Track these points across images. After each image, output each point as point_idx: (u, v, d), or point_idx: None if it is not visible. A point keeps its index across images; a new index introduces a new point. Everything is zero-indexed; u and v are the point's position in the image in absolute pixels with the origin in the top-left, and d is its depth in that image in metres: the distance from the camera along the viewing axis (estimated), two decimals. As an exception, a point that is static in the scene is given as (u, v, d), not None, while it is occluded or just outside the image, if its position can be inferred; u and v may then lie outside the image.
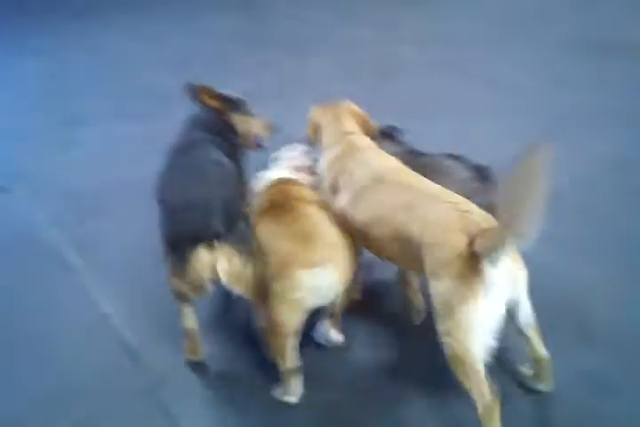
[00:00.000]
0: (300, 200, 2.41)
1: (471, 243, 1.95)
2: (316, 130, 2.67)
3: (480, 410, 2.00)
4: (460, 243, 1.96)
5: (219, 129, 2.74)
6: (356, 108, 2.72)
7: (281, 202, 2.41)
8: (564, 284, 2.76)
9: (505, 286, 1.97)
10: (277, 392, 2.33)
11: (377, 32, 6.30)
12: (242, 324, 2.64)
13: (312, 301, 2.20)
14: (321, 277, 2.17)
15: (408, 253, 2.16)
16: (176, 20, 7.10)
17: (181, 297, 2.31)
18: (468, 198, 2.16)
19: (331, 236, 2.25)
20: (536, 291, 2.08)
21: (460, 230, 1.99)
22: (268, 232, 2.30)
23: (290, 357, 2.24)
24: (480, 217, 2.04)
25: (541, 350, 2.21)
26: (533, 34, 5.89)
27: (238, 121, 2.85)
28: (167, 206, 2.26)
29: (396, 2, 7.33)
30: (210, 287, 2.19)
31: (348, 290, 2.37)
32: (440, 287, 1.99)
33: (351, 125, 2.62)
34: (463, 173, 2.46)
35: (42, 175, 3.98)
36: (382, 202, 2.28)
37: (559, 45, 5.55)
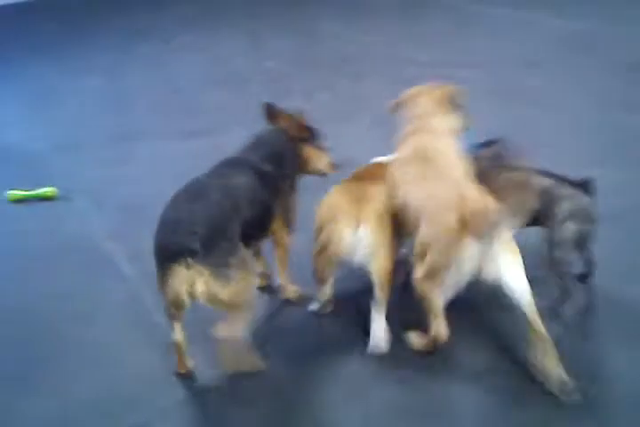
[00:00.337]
0: (373, 176, 2.75)
1: (461, 221, 2.24)
2: (401, 104, 2.84)
3: (429, 338, 2.41)
4: (451, 219, 2.26)
5: (276, 156, 2.71)
6: (451, 94, 2.82)
7: (360, 175, 2.83)
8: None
9: (475, 262, 2.27)
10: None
11: (433, 53, 6.30)
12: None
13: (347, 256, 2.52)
14: (358, 236, 2.49)
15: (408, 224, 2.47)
16: (238, 40, 7.24)
17: (167, 311, 2.37)
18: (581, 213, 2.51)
19: (377, 205, 2.55)
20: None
21: (453, 209, 2.27)
22: (335, 193, 2.66)
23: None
24: (477, 202, 2.28)
25: (539, 329, 2.28)
26: (591, 56, 5.81)
27: (307, 152, 2.84)
28: (159, 222, 2.33)
29: (449, 23, 7.34)
30: (188, 304, 2.27)
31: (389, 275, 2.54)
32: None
33: (432, 108, 2.75)
34: (568, 190, 2.59)
35: (100, 187, 4.09)
36: (407, 173, 2.55)
37: (618, 67, 5.45)
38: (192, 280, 2.19)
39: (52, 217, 3.79)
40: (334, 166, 2.96)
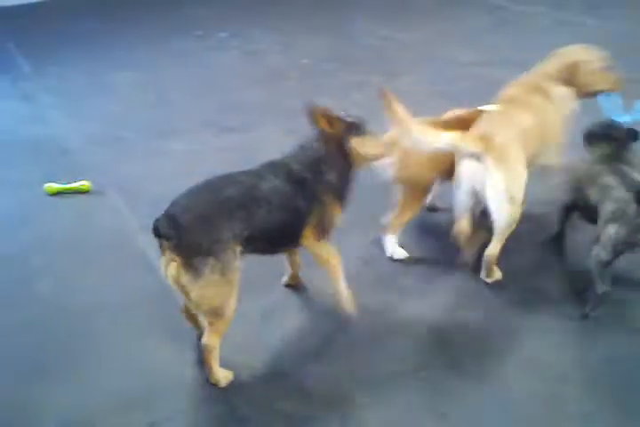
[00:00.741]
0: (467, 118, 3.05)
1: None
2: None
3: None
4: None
5: (317, 162, 2.57)
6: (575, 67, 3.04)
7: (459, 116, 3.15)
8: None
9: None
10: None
11: (470, 52, 6.24)
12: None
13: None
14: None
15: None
16: (272, 38, 7.25)
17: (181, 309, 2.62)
18: (625, 219, 2.48)
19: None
20: None
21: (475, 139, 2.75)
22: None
23: None
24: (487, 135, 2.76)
25: (492, 248, 2.84)
26: (626, 57, 5.69)
27: (354, 145, 2.62)
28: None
29: (487, 22, 7.26)
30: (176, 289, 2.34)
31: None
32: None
33: (557, 74, 3.04)
34: (621, 193, 2.55)
35: (134, 182, 4.12)
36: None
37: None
38: (168, 262, 2.28)
39: (87, 210, 3.83)
40: (387, 147, 2.76)
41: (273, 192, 2.43)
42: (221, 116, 5.12)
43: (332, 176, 2.58)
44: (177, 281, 2.28)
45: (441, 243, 3.21)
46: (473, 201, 2.83)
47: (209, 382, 2.45)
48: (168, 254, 2.27)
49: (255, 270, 2.65)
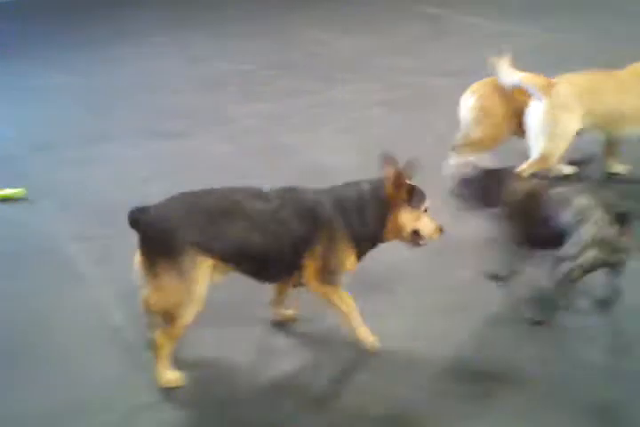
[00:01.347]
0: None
1: None
2: None
3: None
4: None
5: (351, 206, 2.42)
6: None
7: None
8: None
9: None
10: None
11: (408, 61, 6.32)
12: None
13: None
14: None
15: None
16: (214, 43, 7.22)
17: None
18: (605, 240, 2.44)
19: None
20: None
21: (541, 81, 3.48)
22: None
23: None
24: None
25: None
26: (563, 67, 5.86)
27: (402, 216, 2.44)
28: None
29: (427, 31, 7.39)
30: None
31: None
32: None
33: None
34: (600, 214, 2.49)
35: (69, 188, 4.02)
36: None
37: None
38: (137, 255, 2.31)
39: (19, 218, 3.72)
40: (440, 231, 2.54)
41: (260, 213, 2.33)
42: (158, 122, 5.05)
43: (357, 222, 2.42)
44: (139, 271, 2.29)
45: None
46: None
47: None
48: (138, 247, 2.29)
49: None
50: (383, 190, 2.43)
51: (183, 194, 2.37)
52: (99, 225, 3.54)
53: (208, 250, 2.28)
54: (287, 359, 2.54)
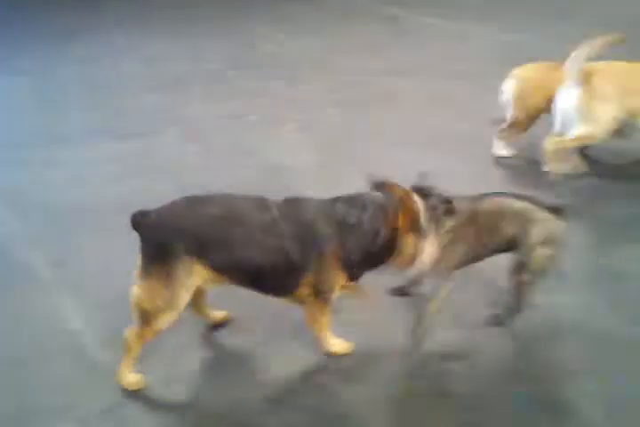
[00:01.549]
0: None
1: None
2: None
3: None
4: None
5: (353, 222, 2.29)
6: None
7: None
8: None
9: None
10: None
11: (366, 61, 6.36)
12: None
13: None
14: None
15: None
16: (174, 42, 7.17)
17: None
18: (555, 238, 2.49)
19: None
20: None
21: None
22: None
23: None
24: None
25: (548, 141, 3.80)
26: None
27: (408, 242, 2.35)
28: None
29: (384, 32, 7.44)
30: None
31: None
32: None
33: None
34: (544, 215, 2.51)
35: (24, 191, 3.95)
36: None
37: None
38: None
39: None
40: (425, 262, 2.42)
41: (259, 226, 2.28)
42: (116, 123, 4.99)
43: (353, 243, 2.30)
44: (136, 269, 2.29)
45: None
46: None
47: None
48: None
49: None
50: (389, 214, 2.31)
51: (185, 199, 2.34)
52: (55, 228, 3.49)
53: (203, 260, 2.26)
54: (246, 359, 2.55)
